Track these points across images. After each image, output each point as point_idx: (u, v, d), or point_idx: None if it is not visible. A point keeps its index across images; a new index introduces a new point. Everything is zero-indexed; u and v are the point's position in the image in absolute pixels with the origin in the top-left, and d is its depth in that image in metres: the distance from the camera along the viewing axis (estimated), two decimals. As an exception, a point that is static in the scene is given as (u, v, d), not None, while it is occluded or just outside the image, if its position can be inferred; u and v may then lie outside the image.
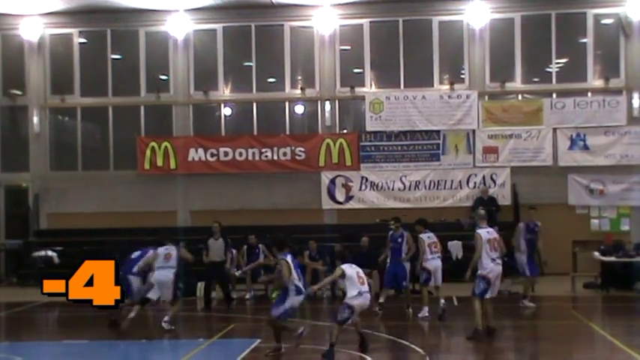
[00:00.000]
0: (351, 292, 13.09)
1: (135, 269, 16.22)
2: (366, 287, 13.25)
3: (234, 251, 20.92)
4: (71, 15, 25.97)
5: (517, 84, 25.51)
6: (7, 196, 26.81)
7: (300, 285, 13.21)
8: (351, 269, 13.35)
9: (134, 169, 25.92)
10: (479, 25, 25.20)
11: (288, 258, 13.23)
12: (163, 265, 16.08)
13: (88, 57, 26.62)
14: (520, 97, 25.70)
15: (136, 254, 16.56)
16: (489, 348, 14.32)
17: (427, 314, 16.94)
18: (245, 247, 21.56)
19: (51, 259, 24.27)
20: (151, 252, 16.41)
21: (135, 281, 16.19)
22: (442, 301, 16.99)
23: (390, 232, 18.41)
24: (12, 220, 26.63)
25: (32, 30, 26.01)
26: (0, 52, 26.63)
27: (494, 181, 25.00)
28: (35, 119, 26.25)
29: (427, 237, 17.33)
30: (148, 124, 26.36)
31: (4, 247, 25.76)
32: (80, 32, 26.50)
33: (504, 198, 24.87)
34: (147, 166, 25.80)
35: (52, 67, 26.58)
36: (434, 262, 17.28)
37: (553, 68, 25.54)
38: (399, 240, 18.03)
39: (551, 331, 14.75)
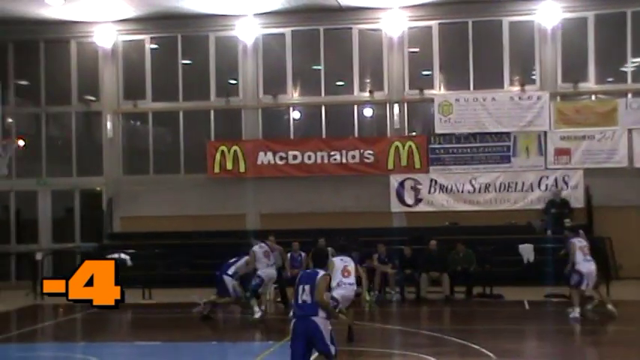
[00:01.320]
0: (332, 284, 13.42)
1: (231, 271, 17.94)
2: (349, 280, 14.12)
3: (302, 254, 20.95)
4: (143, 21, 26.40)
5: (590, 84, 25.01)
6: (82, 200, 27.38)
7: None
8: (339, 262, 14.21)
9: (204, 173, 26.21)
10: (550, 24, 24.79)
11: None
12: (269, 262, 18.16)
13: (159, 62, 27.03)
14: (594, 97, 25.20)
15: (233, 259, 18.29)
16: (558, 352, 14.07)
17: (577, 315, 16.81)
18: (313, 250, 21.52)
19: (124, 261, 24.67)
20: (244, 257, 18.20)
21: (230, 282, 17.86)
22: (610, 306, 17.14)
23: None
24: (86, 224, 27.18)
25: (106, 37, 26.53)
26: (75, 59, 27.20)
27: (566, 183, 24.54)
28: (109, 124, 26.75)
29: (578, 241, 17.38)
30: (218, 128, 26.62)
31: (79, 249, 26.29)
32: (152, 38, 26.92)
33: (577, 200, 24.39)
34: (217, 169, 26.07)
35: (124, 73, 27.05)
36: (587, 265, 17.12)
37: (628, 67, 24.97)
38: None
39: (624, 336, 14.42)
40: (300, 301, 9.88)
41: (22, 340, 16.87)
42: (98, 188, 27.18)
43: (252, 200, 25.75)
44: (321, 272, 10.09)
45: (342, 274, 14.01)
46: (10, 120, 27.03)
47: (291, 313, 10.28)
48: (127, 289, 22.23)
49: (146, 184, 26.56)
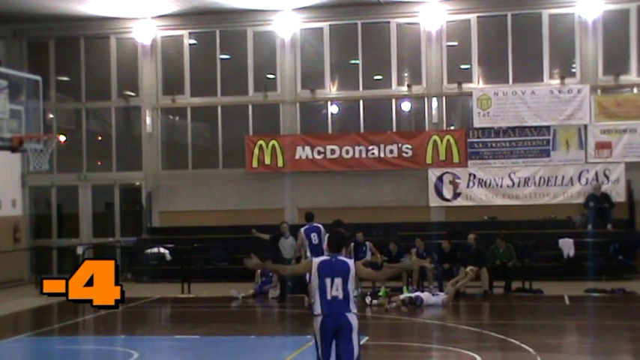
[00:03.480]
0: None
1: None
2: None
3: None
4: (182, 17, 26.53)
5: (632, 77, 24.64)
6: (122, 195, 27.63)
7: None
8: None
9: (242, 168, 26.30)
10: (591, 16, 24.46)
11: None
12: None
13: (197, 58, 27.13)
14: (635, 90, 24.85)
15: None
16: (600, 348, 13.93)
17: None
18: (352, 244, 21.57)
19: (163, 256, 24.88)
20: None
21: None
22: None
23: None
24: (126, 218, 27.44)
25: (145, 33, 26.69)
26: (115, 55, 27.43)
27: (607, 177, 24.24)
28: (148, 119, 26.94)
29: None
30: (256, 122, 26.70)
31: (120, 244, 26.58)
32: (190, 33, 27.03)
33: (618, 195, 24.08)
34: (255, 164, 26.15)
35: (163, 68, 27.19)
36: None
37: (670, 60, 24.58)
38: None
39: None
40: (329, 297, 8.82)
41: (63, 334, 17.11)
42: (137, 183, 27.41)
43: (290, 195, 25.81)
44: (349, 262, 9.04)
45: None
46: (51, 115, 27.35)
47: (317, 311, 8.92)
48: (165, 284, 22.63)
49: (185, 179, 26.73)
